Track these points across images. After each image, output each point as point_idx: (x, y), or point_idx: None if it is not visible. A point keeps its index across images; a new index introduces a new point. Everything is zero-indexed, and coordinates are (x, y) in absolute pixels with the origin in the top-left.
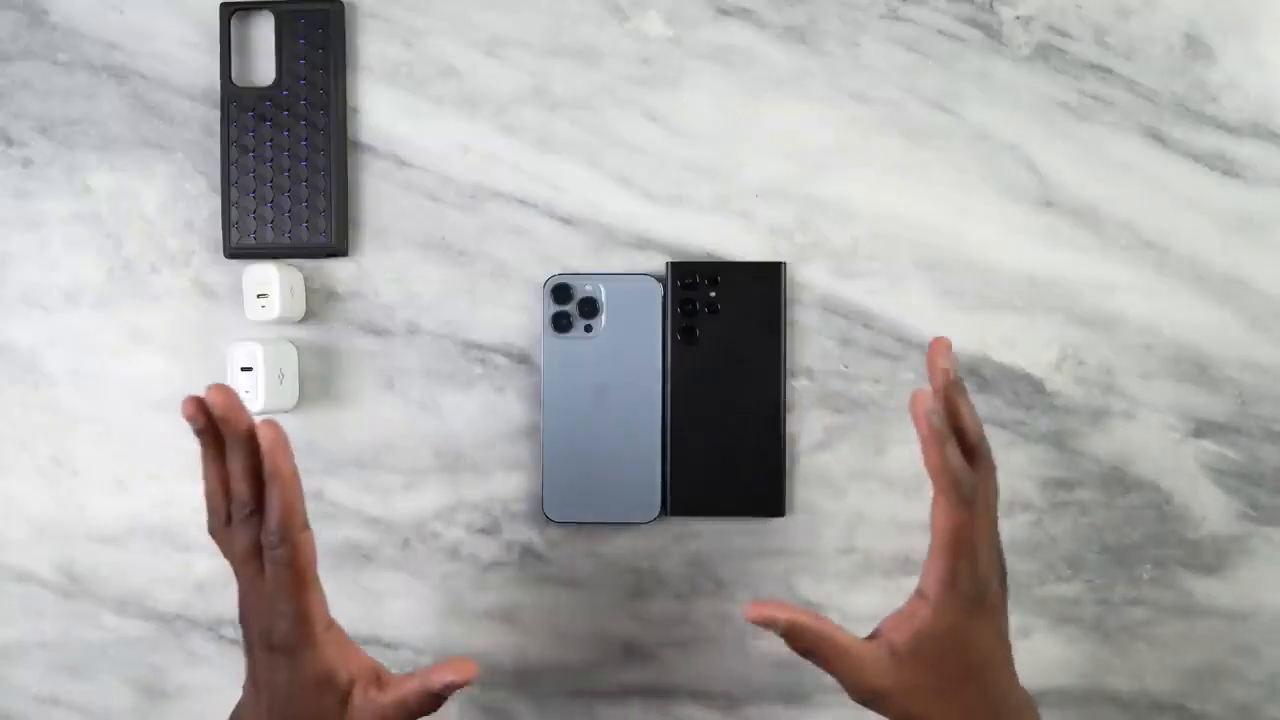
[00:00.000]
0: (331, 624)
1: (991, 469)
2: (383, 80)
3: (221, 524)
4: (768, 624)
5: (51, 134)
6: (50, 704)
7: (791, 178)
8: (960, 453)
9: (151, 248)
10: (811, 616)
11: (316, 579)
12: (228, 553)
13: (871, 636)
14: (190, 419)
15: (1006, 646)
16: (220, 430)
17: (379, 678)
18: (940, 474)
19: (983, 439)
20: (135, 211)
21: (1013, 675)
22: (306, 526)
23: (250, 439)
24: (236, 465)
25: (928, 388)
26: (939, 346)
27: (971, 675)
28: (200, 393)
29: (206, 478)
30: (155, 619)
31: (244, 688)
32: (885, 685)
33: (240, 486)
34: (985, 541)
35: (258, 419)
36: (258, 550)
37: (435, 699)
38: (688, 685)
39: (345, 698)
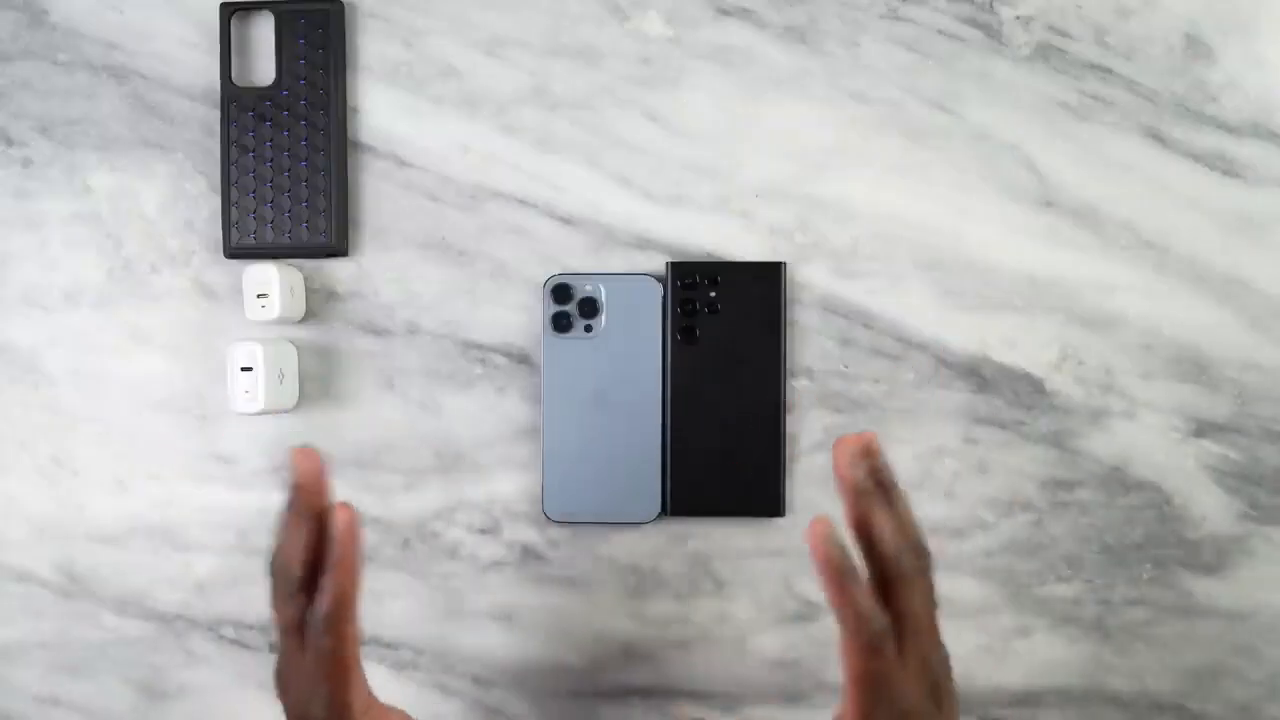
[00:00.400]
0: (371, 706)
1: (921, 579)
2: (383, 80)
3: (282, 584)
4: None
5: (51, 134)
6: (50, 704)
7: (791, 178)
8: (868, 592)
9: (151, 248)
10: None
11: (359, 666)
12: (272, 610)
13: None
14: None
15: None
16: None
17: None
18: (843, 615)
19: (906, 550)
20: (135, 211)
21: None
22: (356, 617)
23: (320, 517)
24: (299, 537)
25: (824, 517)
26: (842, 451)
27: None
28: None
29: (286, 542)
30: (155, 619)
31: None
32: None
33: (294, 563)
34: (914, 656)
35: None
36: (302, 626)
37: None
38: (688, 685)
39: None
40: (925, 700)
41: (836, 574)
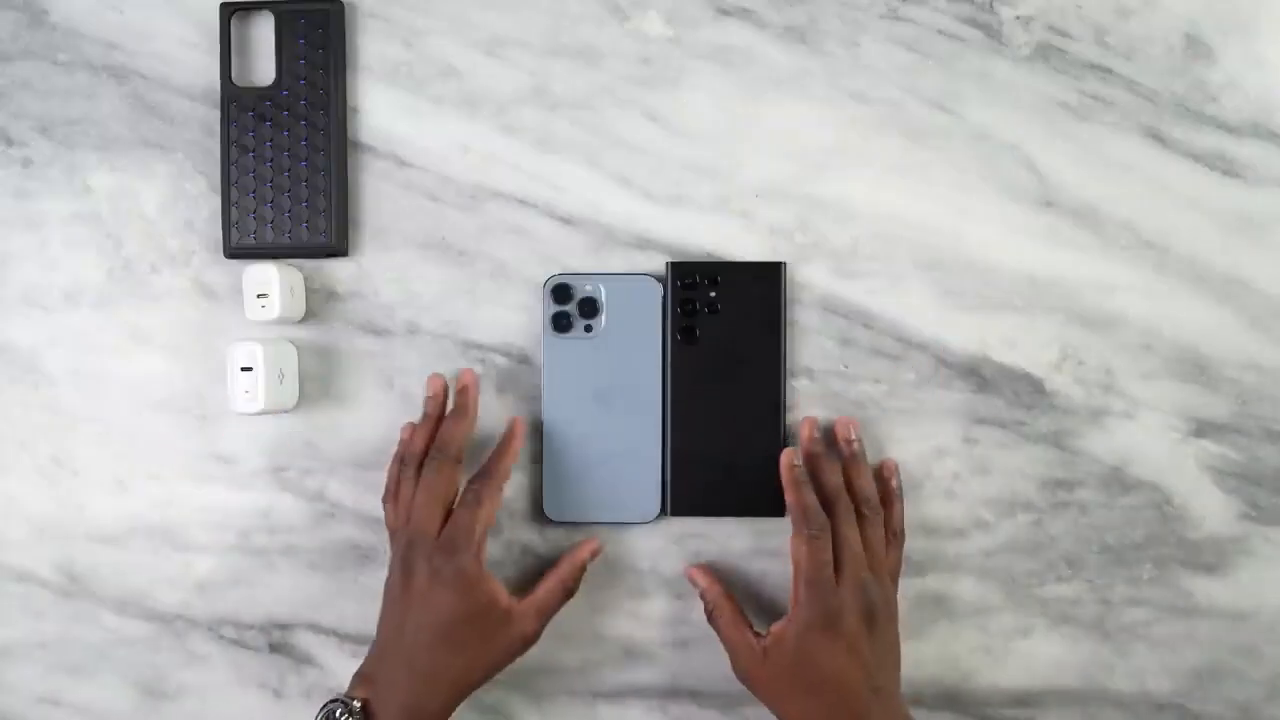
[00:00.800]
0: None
1: (854, 518)
2: (383, 80)
3: (415, 467)
4: (694, 585)
5: (51, 134)
6: (50, 704)
7: (791, 178)
8: (816, 498)
9: (151, 248)
10: (730, 605)
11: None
12: (413, 490)
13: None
14: (433, 396)
15: (867, 672)
16: (447, 403)
17: (517, 596)
18: (793, 509)
19: (842, 493)
20: (135, 211)
21: (879, 701)
22: (502, 488)
23: (473, 412)
24: (459, 426)
25: (792, 449)
26: (804, 427)
27: (821, 688)
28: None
29: (417, 434)
30: (155, 619)
31: (381, 621)
32: (750, 673)
33: (455, 438)
34: (850, 577)
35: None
36: (452, 492)
37: (579, 576)
38: (688, 685)
39: (507, 614)
40: (857, 615)
41: (794, 481)
